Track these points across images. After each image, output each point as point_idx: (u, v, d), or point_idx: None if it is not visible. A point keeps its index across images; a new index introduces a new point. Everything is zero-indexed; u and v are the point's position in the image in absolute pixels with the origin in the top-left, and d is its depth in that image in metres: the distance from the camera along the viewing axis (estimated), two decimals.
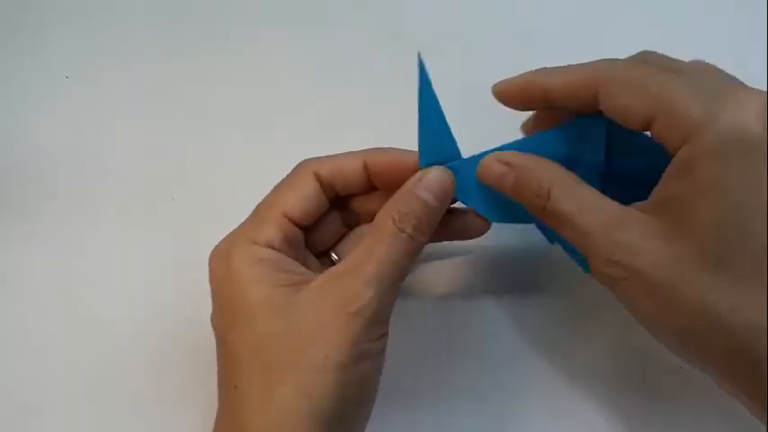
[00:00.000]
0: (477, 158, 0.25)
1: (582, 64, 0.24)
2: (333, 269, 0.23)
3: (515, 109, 0.27)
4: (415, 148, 0.25)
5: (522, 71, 0.25)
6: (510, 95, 0.26)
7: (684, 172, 0.20)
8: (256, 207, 0.25)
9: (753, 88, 0.21)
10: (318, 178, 0.25)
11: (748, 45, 0.36)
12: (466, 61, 0.35)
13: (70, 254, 0.31)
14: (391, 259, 0.22)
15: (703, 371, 0.21)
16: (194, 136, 0.34)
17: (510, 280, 0.31)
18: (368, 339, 0.22)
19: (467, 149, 0.26)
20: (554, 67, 0.25)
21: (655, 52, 0.24)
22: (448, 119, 0.25)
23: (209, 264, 0.24)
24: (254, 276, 0.23)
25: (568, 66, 0.24)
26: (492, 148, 0.26)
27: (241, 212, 0.31)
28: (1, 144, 0.34)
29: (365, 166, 0.26)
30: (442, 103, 0.25)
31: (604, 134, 0.26)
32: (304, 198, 0.25)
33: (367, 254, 0.23)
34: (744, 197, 0.19)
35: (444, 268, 0.31)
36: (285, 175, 0.26)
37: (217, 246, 0.24)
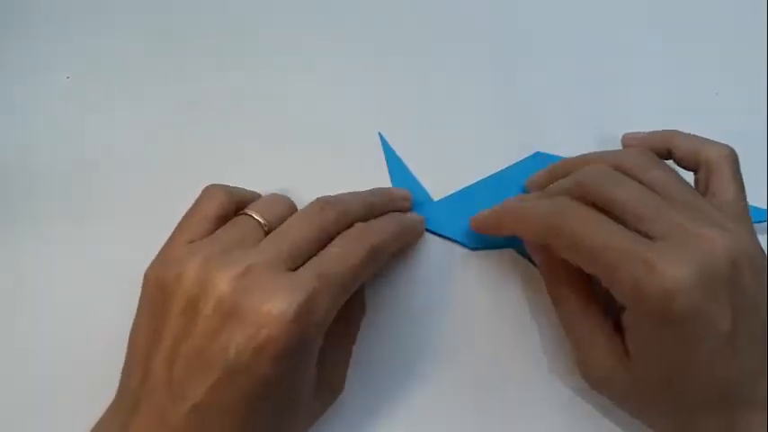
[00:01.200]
0: (447, 199, 0.32)
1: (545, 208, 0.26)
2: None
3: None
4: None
5: None
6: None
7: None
8: None
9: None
10: None
11: (748, 47, 0.36)
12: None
13: (70, 253, 0.31)
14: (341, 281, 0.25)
15: None
16: (194, 136, 0.34)
17: (511, 280, 0.31)
18: None
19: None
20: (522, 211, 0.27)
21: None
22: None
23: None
24: None
25: (533, 207, 0.26)
26: (456, 191, 0.32)
27: None
28: (0, 144, 0.34)
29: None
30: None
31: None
32: None
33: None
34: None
35: (445, 268, 0.31)
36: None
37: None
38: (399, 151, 0.33)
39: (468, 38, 0.36)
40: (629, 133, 0.32)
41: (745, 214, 0.26)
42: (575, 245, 0.24)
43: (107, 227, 0.32)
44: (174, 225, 0.31)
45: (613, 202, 0.24)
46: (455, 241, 0.31)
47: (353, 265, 0.24)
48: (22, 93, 0.35)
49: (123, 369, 0.25)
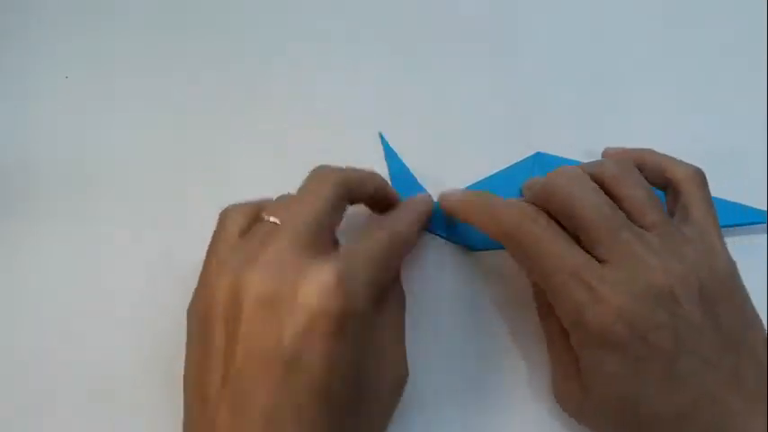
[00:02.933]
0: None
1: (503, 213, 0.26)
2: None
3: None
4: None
5: None
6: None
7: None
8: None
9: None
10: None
11: (748, 45, 0.36)
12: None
13: (70, 253, 0.31)
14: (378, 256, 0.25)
15: None
16: (195, 136, 0.34)
17: (511, 280, 0.31)
18: None
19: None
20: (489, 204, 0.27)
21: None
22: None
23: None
24: None
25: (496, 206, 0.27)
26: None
27: None
28: (0, 144, 0.34)
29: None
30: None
31: (540, 171, 0.32)
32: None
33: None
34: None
35: (445, 268, 0.31)
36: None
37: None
38: (399, 151, 0.33)
39: (469, 38, 0.37)
40: (610, 148, 0.32)
41: (710, 235, 0.25)
42: (527, 258, 0.25)
43: (107, 227, 0.32)
44: (174, 225, 0.32)
45: (572, 219, 0.25)
46: (455, 241, 0.31)
47: (382, 248, 0.24)
48: (22, 93, 0.35)
49: (183, 411, 0.24)
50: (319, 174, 0.26)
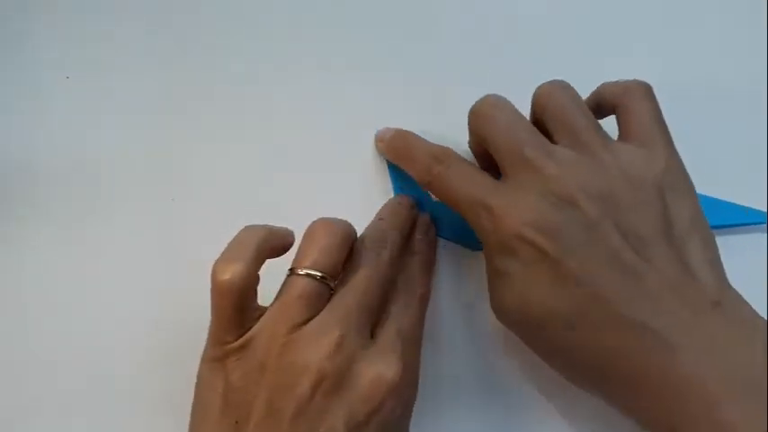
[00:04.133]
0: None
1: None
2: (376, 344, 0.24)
3: None
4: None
5: None
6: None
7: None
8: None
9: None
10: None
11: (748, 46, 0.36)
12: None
13: (69, 254, 0.31)
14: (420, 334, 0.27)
15: None
16: (195, 136, 0.34)
17: None
18: None
19: None
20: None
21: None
22: None
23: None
24: None
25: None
26: None
27: (241, 212, 0.31)
28: (1, 144, 0.34)
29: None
30: None
31: None
32: None
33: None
34: None
35: (445, 269, 0.31)
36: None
37: None
38: None
39: (469, 38, 0.36)
40: None
41: (647, 144, 0.25)
42: (445, 199, 0.26)
43: (107, 227, 0.32)
44: (174, 225, 0.32)
45: (486, 143, 0.26)
46: (455, 241, 0.31)
47: (419, 317, 0.26)
48: (22, 93, 0.35)
49: None
50: (375, 248, 0.26)
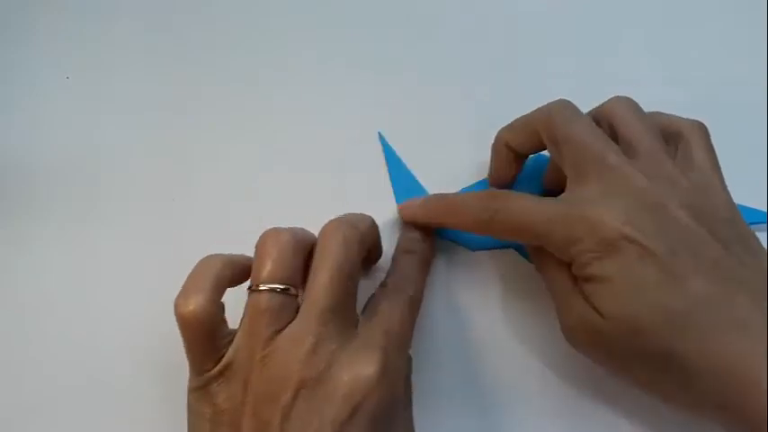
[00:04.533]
0: None
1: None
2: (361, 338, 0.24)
3: None
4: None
5: None
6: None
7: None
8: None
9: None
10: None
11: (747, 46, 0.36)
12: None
13: (69, 254, 0.31)
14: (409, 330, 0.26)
15: None
16: (195, 136, 0.34)
17: (511, 280, 0.31)
18: None
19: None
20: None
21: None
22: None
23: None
24: None
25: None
26: (457, 191, 0.32)
27: (241, 212, 0.31)
28: (1, 144, 0.34)
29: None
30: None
31: (541, 171, 0.31)
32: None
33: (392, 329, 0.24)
34: None
35: (445, 269, 0.31)
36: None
37: None
38: (399, 151, 0.33)
39: (469, 38, 0.37)
40: None
41: (710, 177, 0.26)
42: (512, 235, 0.26)
43: (107, 227, 0.32)
44: (174, 225, 0.32)
45: (564, 149, 0.26)
46: (455, 242, 0.31)
47: (408, 316, 0.25)
48: (22, 93, 0.35)
49: None
50: (344, 242, 0.25)
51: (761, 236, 0.31)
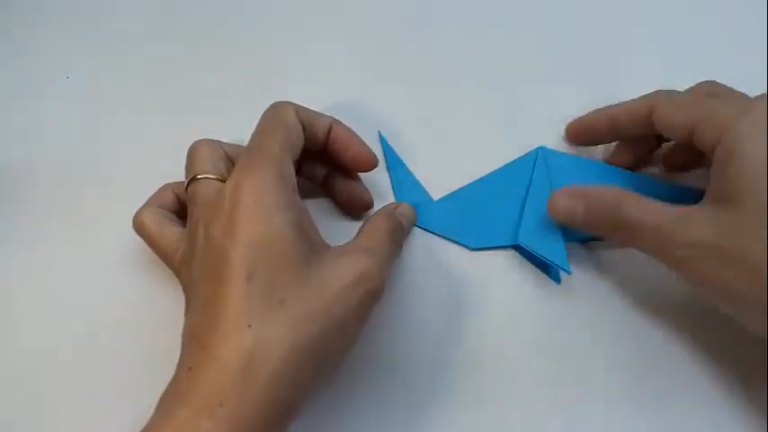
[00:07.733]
0: (447, 198, 0.32)
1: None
2: (347, 247, 0.26)
3: (581, 145, 0.33)
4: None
5: None
6: (582, 129, 0.32)
7: (725, 161, 0.24)
8: (268, 142, 0.27)
9: None
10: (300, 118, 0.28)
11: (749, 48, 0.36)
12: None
13: (69, 254, 0.31)
14: (391, 256, 0.27)
15: None
16: (195, 136, 0.34)
17: (511, 280, 0.31)
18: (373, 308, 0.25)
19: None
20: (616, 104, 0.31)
21: (704, 82, 0.28)
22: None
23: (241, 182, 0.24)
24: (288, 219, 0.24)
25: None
26: (457, 189, 0.32)
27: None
28: (1, 143, 0.34)
29: (330, 129, 0.29)
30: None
31: (544, 165, 0.32)
32: (299, 137, 0.28)
33: (377, 247, 0.26)
34: None
35: (445, 269, 0.31)
36: (267, 115, 0.28)
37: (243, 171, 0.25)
38: (399, 151, 0.33)
39: (469, 37, 0.37)
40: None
41: None
42: (676, 107, 0.27)
43: (107, 226, 0.32)
44: None
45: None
46: (455, 241, 0.31)
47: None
48: (22, 93, 0.35)
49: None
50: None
51: None
